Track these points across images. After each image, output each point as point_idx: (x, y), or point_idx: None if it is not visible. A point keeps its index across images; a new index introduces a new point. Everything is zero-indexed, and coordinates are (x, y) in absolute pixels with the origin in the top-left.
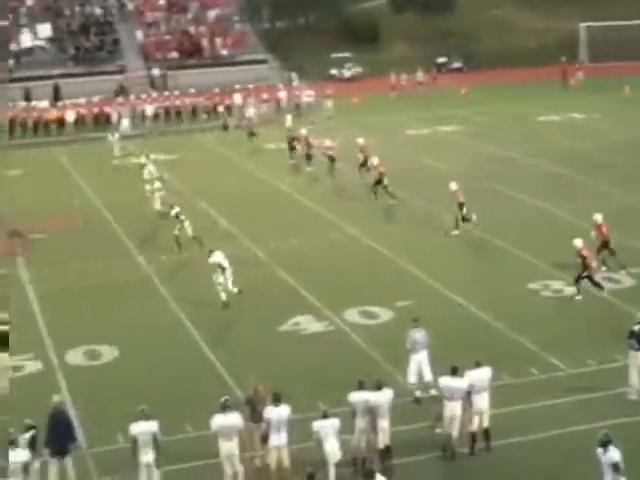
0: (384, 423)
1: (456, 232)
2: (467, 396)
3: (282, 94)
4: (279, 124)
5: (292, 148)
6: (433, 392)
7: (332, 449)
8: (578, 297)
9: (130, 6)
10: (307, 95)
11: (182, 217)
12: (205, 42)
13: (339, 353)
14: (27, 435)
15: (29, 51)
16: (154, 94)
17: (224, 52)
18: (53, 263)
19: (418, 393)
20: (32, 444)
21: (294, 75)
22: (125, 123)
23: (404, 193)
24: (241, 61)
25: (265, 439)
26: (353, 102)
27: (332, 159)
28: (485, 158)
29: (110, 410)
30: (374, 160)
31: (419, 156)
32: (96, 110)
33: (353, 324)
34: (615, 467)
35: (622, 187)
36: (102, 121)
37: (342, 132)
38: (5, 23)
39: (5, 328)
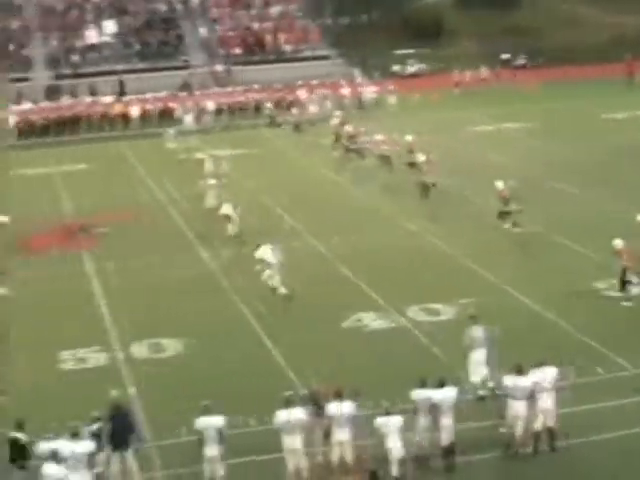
0: (447, 421)
1: (507, 226)
2: (532, 395)
3: (345, 90)
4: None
5: (340, 146)
6: (491, 390)
7: (395, 446)
8: (627, 303)
9: (194, 2)
10: (370, 91)
11: (229, 214)
12: (268, 38)
13: (402, 350)
14: (94, 427)
15: (95, 47)
16: (218, 90)
17: (287, 48)
18: (118, 257)
19: (481, 391)
20: (98, 436)
21: (357, 71)
22: (188, 119)
23: (467, 190)
24: (304, 57)
25: (328, 435)
26: (416, 98)
27: (386, 156)
28: (548, 155)
29: (174, 403)
30: (421, 157)
31: (483, 153)
32: (160, 105)
33: (416, 321)
34: None
35: None
36: (166, 116)
37: (404, 128)
38: None
39: None
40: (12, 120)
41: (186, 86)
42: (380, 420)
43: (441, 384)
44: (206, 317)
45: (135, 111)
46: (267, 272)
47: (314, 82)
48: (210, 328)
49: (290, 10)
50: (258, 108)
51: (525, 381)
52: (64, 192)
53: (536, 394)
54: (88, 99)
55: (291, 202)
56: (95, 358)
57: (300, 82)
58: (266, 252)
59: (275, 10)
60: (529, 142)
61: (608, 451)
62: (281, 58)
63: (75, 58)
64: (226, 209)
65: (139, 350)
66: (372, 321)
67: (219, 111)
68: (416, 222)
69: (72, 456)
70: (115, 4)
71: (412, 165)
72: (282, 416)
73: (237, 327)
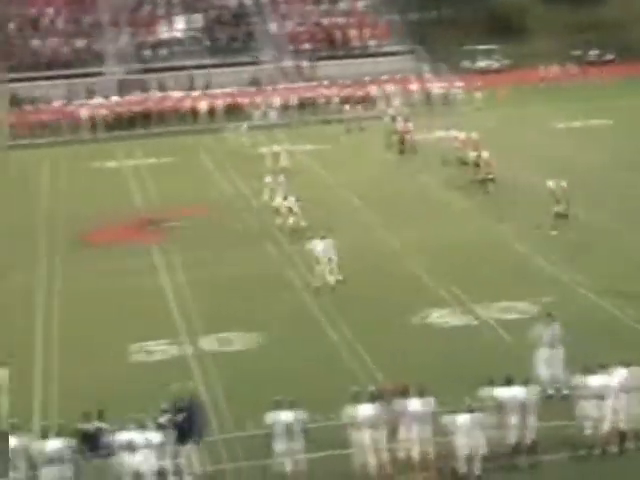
0: (530, 419)
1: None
2: (614, 395)
3: (414, 86)
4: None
5: (401, 143)
6: (567, 390)
7: (463, 444)
8: None
9: None
10: (455, 87)
11: (284, 210)
12: (338, 34)
13: (471, 347)
14: (163, 419)
15: (166, 43)
16: (288, 85)
17: (357, 44)
18: (187, 251)
19: (550, 390)
20: (167, 428)
21: (440, 66)
22: (257, 114)
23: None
24: (373, 53)
25: (394, 432)
26: (500, 94)
27: (460, 153)
28: (634, 154)
29: (241, 397)
30: (485, 155)
31: (567, 149)
32: (229, 101)
33: (495, 319)
34: None
35: None
36: (235, 112)
37: (489, 124)
38: None
39: None
40: (84, 115)
41: (255, 82)
42: (448, 418)
43: (509, 382)
44: (274, 311)
45: (204, 106)
46: (318, 266)
47: (383, 78)
48: (278, 323)
49: (360, 6)
50: (328, 104)
51: (595, 381)
52: (134, 186)
53: (607, 395)
54: (158, 94)
55: (367, 196)
56: (165, 351)
57: (369, 78)
58: (317, 245)
59: (345, 6)
60: (613, 139)
61: None
62: (350, 54)
63: (146, 53)
64: (288, 203)
65: (208, 344)
66: (442, 318)
67: (288, 107)
68: (490, 219)
69: (142, 447)
70: (187, 0)
71: (475, 163)
72: (351, 412)
73: (305, 322)
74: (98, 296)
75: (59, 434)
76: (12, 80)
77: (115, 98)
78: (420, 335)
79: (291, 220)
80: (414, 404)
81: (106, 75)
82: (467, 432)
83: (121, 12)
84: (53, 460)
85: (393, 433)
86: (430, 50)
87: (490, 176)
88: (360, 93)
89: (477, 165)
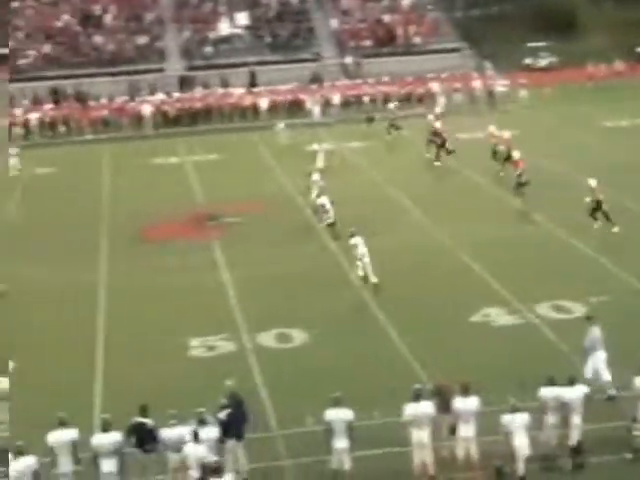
0: (576, 420)
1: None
2: None
3: (476, 83)
4: (473, 114)
5: (431, 142)
6: (611, 392)
7: (521, 444)
8: None
9: None
10: (501, 84)
11: (327, 207)
12: (399, 30)
13: (529, 347)
14: (222, 414)
15: (227, 39)
16: (347, 82)
17: (417, 40)
18: (246, 247)
19: (611, 391)
20: (226, 423)
21: (488, 64)
22: (316, 111)
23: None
24: (434, 49)
25: (453, 430)
26: (547, 92)
27: (496, 152)
28: None
29: (300, 393)
30: (516, 154)
31: (614, 148)
32: (290, 97)
33: (545, 318)
34: None
35: None
36: (296, 108)
37: (535, 123)
38: None
39: None
40: (147, 110)
41: (316, 78)
42: (506, 417)
43: (571, 382)
44: (333, 308)
45: (264, 103)
46: (359, 262)
47: (444, 75)
48: (336, 319)
49: (421, 2)
50: (387, 101)
51: None
52: (195, 182)
53: None
54: (219, 90)
55: (410, 195)
56: (223, 346)
57: (430, 75)
58: (358, 241)
59: (406, 2)
60: None
61: None
62: (411, 51)
63: (208, 50)
64: (323, 200)
65: (266, 339)
66: (500, 316)
67: (346, 103)
68: (542, 216)
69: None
70: None
71: (507, 161)
72: (411, 409)
73: (363, 319)
74: (158, 292)
75: (117, 428)
76: (76, 76)
77: (176, 94)
78: (478, 333)
79: (324, 216)
80: (473, 403)
81: (168, 71)
82: (526, 432)
83: (183, 9)
84: (112, 453)
85: (451, 432)
86: (476, 48)
87: (522, 177)
88: (421, 90)
89: (508, 160)
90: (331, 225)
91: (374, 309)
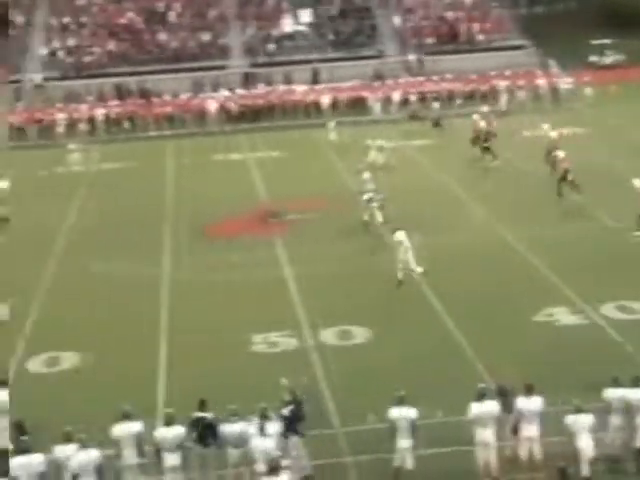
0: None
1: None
2: None
3: (540, 81)
4: (537, 112)
5: (475, 142)
6: None
7: (585, 445)
8: None
9: None
10: (566, 82)
11: (374, 204)
12: (462, 27)
13: (594, 347)
14: (285, 410)
15: (290, 36)
16: (410, 79)
17: (480, 37)
18: (309, 244)
19: None
20: (290, 419)
21: (552, 62)
22: (377, 108)
23: None
24: (498, 47)
25: (516, 430)
26: (612, 90)
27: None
28: None
29: (361, 390)
30: (560, 154)
31: None
32: (353, 94)
33: (609, 318)
34: None
35: None
36: (358, 105)
37: (599, 121)
38: None
39: None
40: (211, 107)
41: (378, 75)
42: (570, 418)
43: (636, 383)
44: (394, 305)
45: (326, 100)
46: (402, 255)
47: (508, 72)
48: (398, 317)
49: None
50: (450, 98)
51: None
52: (257, 178)
53: None
54: (283, 87)
55: (476, 192)
56: (286, 342)
57: (494, 72)
58: (402, 235)
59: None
60: None
61: None
62: (474, 48)
63: (271, 47)
64: (365, 198)
65: (328, 336)
66: (564, 316)
67: (406, 101)
68: (605, 214)
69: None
70: None
71: (552, 161)
72: (475, 409)
73: (424, 317)
74: (221, 287)
75: (180, 422)
76: (140, 73)
77: (240, 91)
78: (538, 333)
79: (366, 216)
80: (536, 403)
81: (231, 68)
82: (590, 433)
83: (246, 6)
84: (175, 447)
85: (514, 432)
86: (541, 45)
87: (569, 177)
88: (484, 87)
89: (551, 164)
90: (366, 223)
91: (436, 307)
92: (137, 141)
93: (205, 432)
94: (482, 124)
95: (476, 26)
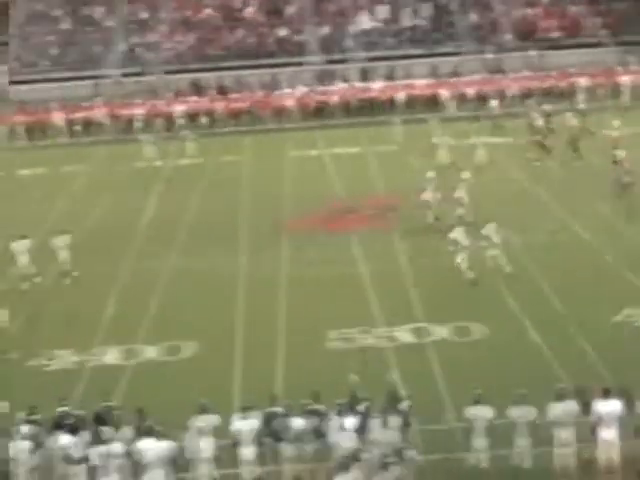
0: None
1: None
2: None
3: (620, 78)
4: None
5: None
6: None
7: None
8: None
9: None
10: None
11: (429, 201)
12: (541, 24)
13: None
14: (361, 406)
15: (367, 32)
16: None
17: (559, 34)
18: (384, 241)
19: None
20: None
21: (632, 58)
22: (451, 105)
23: None
24: (577, 44)
25: (593, 432)
26: None
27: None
28: None
29: (438, 388)
30: (621, 154)
31: None
32: (428, 91)
33: None
34: None
35: None
36: (432, 103)
37: None
38: None
39: None
40: (289, 103)
41: (455, 72)
42: None
43: None
44: (470, 303)
45: (401, 96)
46: (461, 255)
47: (587, 69)
48: (474, 315)
49: None
50: (528, 96)
51: None
52: (333, 175)
53: None
54: (359, 84)
55: (554, 191)
56: (361, 339)
57: (573, 69)
58: (460, 234)
59: None
60: None
61: None
62: (553, 45)
63: (347, 43)
64: (427, 195)
65: (404, 333)
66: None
67: (483, 98)
68: None
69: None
70: None
71: (614, 162)
72: (555, 409)
73: (501, 316)
74: (297, 283)
75: (254, 416)
76: (217, 69)
77: (316, 87)
78: (617, 334)
79: (430, 213)
80: (614, 405)
81: (307, 65)
82: None
83: (323, 2)
84: (250, 440)
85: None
86: (620, 41)
87: (625, 178)
88: (562, 85)
89: (615, 162)
90: (432, 223)
91: (513, 306)
92: (214, 137)
93: (277, 426)
94: (540, 122)
95: (554, 22)
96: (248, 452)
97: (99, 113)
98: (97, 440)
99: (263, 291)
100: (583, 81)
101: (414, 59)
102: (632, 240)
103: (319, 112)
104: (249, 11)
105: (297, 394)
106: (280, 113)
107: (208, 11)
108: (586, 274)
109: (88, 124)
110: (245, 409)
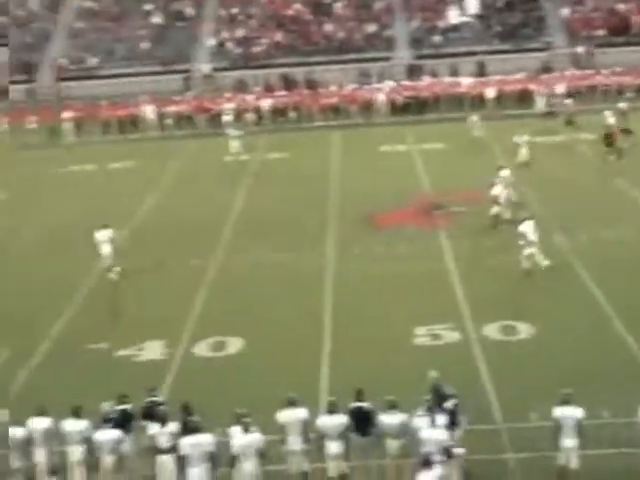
0: None
1: None
2: None
3: None
4: None
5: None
6: None
7: None
8: None
9: None
10: None
11: (501, 201)
12: (634, 19)
13: None
14: (449, 403)
15: (456, 28)
16: (576, 72)
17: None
18: (472, 237)
19: None
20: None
21: None
22: (540, 102)
23: None
24: None
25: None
26: None
27: None
28: None
29: (525, 387)
30: None
31: None
32: (518, 87)
33: None
34: None
35: None
36: (524, 99)
37: None
38: None
39: None
40: (379, 98)
41: (545, 68)
42: None
43: None
44: (558, 301)
45: (490, 92)
46: (527, 249)
47: None
48: (562, 313)
49: None
50: (620, 92)
51: None
52: (421, 170)
53: None
54: (448, 79)
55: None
56: (448, 335)
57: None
58: (528, 227)
59: None
60: None
61: None
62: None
63: (436, 38)
64: (496, 190)
65: (492, 331)
66: None
67: (570, 95)
68: None
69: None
70: None
71: None
72: None
73: (589, 315)
74: (384, 278)
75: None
76: (306, 64)
77: (405, 83)
78: None
79: (495, 209)
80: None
81: (396, 60)
82: None
83: None
84: (337, 435)
85: None
86: None
87: None
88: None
89: None
90: (504, 220)
91: (602, 305)
92: (303, 131)
93: (363, 422)
94: (612, 120)
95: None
96: (334, 447)
97: (189, 107)
98: (186, 430)
99: (351, 286)
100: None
101: (504, 54)
102: None
103: (407, 107)
104: (338, 6)
105: (382, 390)
106: (369, 108)
107: (297, 6)
108: None
109: (179, 118)
110: (331, 404)
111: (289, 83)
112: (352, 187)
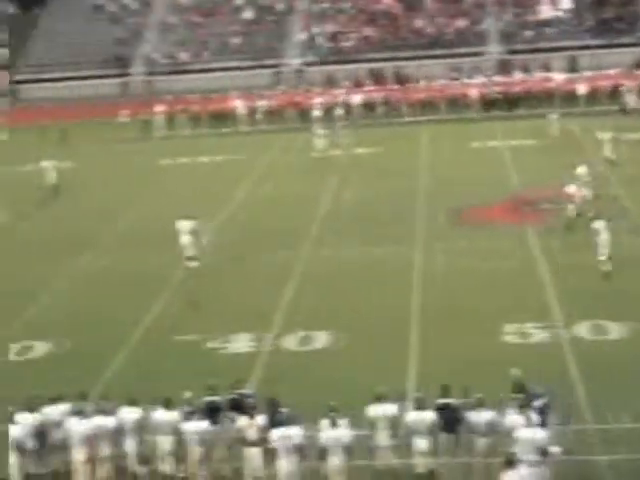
0: None
1: None
2: None
3: None
4: None
5: None
6: None
7: None
8: None
9: None
10: None
11: (572, 194)
12: None
13: None
14: (538, 402)
15: (548, 22)
16: None
17: None
18: (562, 234)
19: None
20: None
21: None
22: (630, 98)
23: None
24: None
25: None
26: None
27: None
28: None
29: (617, 388)
30: None
31: None
32: (611, 83)
33: None
34: None
35: None
36: (616, 95)
37: None
38: None
39: None
40: (472, 93)
41: (639, 64)
42: None
43: None
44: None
45: (582, 89)
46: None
47: None
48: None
49: None
50: None
51: None
52: (511, 167)
53: None
54: (540, 75)
55: None
56: (538, 334)
57: None
58: (600, 226)
59: None
60: None
61: None
62: None
63: (528, 33)
64: (571, 189)
65: (582, 330)
66: None
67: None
68: None
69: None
70: None
71: None
72: None
73: None
74: (474, 274)
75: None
76: (396, 59)
77: (497, 78)
78: None
79: (570, 207)
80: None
81: (487, 55)
82: None
83: None
84: (425, 432)
85: None
86: None
87: None
88: None
89: None
90: (573, 219)
91: None
92: (392, 126)
93: (449, 418)
94: None
95: None
96: (422, 444)
97: (279, 101)
98: (275, 423)
99: (439, 281)
100: None
101: (596, 49)
102: None
103: (498, 103)
104: (429, 1)
105: (471, 386)
106: (459, 103)
107: (388, 1)
108: None
109: (269, 113)
110: (419, 400)
111: (378, 78)
112: (442, 182)
